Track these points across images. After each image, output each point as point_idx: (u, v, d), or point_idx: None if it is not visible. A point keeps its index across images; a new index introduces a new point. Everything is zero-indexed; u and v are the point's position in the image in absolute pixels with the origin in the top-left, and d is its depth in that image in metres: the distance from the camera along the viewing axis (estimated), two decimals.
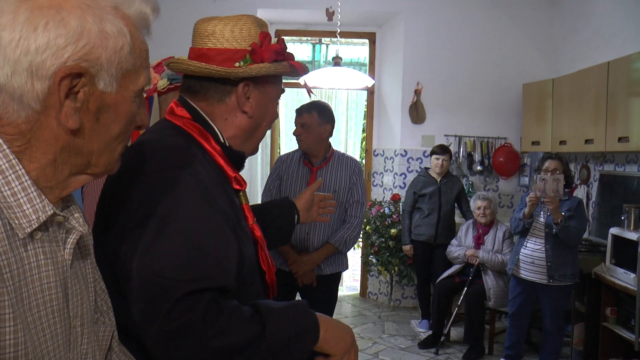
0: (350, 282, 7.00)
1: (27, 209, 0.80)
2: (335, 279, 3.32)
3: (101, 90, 0.84)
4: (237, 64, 1.32)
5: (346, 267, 3.37)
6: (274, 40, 1.38)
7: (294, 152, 3.42)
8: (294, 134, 3.25)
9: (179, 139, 1.30)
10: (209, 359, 1.13)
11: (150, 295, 1.11)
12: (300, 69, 1.41)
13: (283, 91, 1.48)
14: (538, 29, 5.86)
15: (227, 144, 1.36)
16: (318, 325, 1.22)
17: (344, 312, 5.88)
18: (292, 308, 1.22)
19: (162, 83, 2.06)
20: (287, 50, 1.40)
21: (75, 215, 0.92)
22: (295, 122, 3.25)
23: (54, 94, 0.79)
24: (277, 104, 1.47)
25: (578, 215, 3.80)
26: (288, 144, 6.81)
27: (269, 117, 1.43)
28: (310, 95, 1.60)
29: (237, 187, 1.39)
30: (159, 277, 1.11)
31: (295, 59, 1.43)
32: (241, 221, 1.35)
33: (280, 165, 3.35)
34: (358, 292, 6.57)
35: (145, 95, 2.15)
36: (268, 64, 1.33)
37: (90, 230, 1.03)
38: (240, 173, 1.46)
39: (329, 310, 3.28)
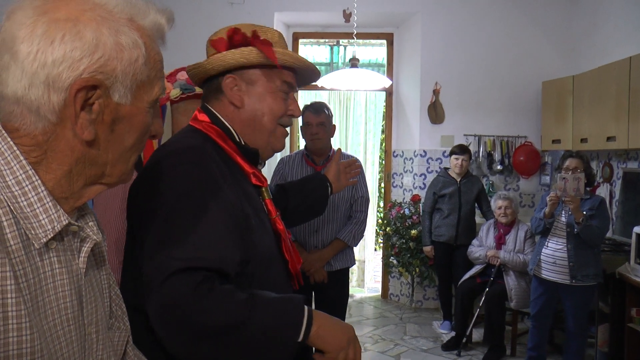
0: (371, 284, 6.98)
1: (43, 219, 0.82)
2: (345, 274, 3.39)
3: (116, 102, 0.85)
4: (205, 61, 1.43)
5: (353, 262, 3.44)
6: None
7: (295, 153, 3.46)
8: (313, 132, 3.25)
9: (195, 140, 1.39)
10: (198, 337, 1.17)
11: (150, 271, 1.20)
12: (268, 50, 1.40)
13: (292, 86, 1.51)
14: (556, 26, 5.80)
15: (243, 142, 1.46)
16: (311, 319, 1.24)
17: (365, 313, 5.88)
18: (285, 300, 1.26)
19: (175, 92, 2.09)
20: (263, 39, 1.45)
21: (90, 223, 0.94)
22: (312, 121, 3.25)
23: (70, 106, 0.80)
24: (281, 96, 1.48)
25: (600, 215, 3.75)
26: None
27: (267, 108, 1.46)
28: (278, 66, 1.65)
29: (256, 183, 1.47)
30: (158, 255, 1.20)
31: (275, 48, 1.44)
32: (260, 213, 1.43)
33: (283, 167, 3.38)
34: (379, 293, 6.55)
35: (159, 103, 2.18)
36: (231, 51, 1.40)
37: (105, 237, 1.05)
38: (262, 171, 1.54)
39: (342, 306, 3.35)
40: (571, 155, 3.87)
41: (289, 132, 1.58)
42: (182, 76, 2.07)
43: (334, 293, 3.25)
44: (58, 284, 0.85)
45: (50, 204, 0.83)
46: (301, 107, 3.54)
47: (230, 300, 1.19)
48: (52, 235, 0.82)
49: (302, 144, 6.66)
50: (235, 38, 1.42)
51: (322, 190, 2.06)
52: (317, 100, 6.53)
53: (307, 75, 1.59)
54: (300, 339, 1.23)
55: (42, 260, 0.82)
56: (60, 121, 0.82)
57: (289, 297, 1.28)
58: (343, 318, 3.38)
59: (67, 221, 0.85)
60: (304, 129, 3.31)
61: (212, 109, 1.48)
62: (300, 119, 3.42)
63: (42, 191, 0.82)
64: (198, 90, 2.17)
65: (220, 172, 1.34)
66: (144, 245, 1.25)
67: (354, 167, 2.20)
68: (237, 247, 1.29)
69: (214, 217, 1.26)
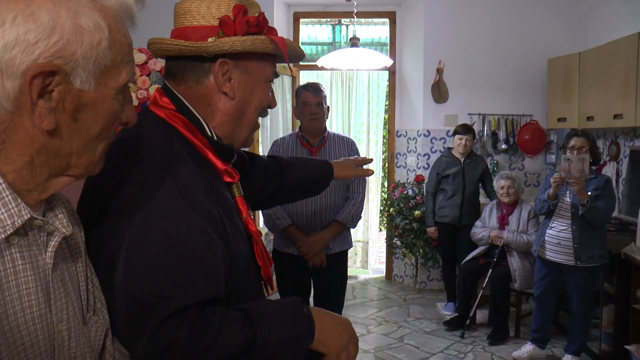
0: (376, 265, 6.96)
1: (2, 213, 0.78)
2: (344, 256, 3.37)
3: (78, 89, 0.80)
4: (210, 40, 1.24)
5: (351, 245, 3.41)
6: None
7: (289, 135, 3.39)
8: (312, 112, 3.21)
9: (161, 135, 1.22)
10: None
11: (135, 313, 1.06)
12: (282, 44, 1.27)
13: (277, 75, 1.37)
14: (564, 2, 5.67)
15: (215, 137, 1.28)
16: (312, 326, 1.16)
17: (369, 295, 5.86)
18: (284, 310, 1.16)
19: (154, 89, 2.03)
20: (271, 27, 1.31)
21: (59, 216, 0.89)
22: (311, 101, 3.20)
23: (26, 93, 0.75)
24: (269, 87, 1.35)
25: (605, 195, 3.68)
26: None
27: (257, 101, 1.32)
28: (292, 74, 1.51)
29: (228, 179, 1.31)
30: (144, 295, 1.05)
31: (283, 41, 1.29)
32: (233, 217, 1.28)
33: (277, 149, 3.31)
34: (384, 274, 6.53)
35: (138, 102, 2.11)
36: (242, 38, 1.23)
37: (81, 228, 1.01)
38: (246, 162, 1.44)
39: (342, 289, 3.34)
40: (576, 134, 3.80)
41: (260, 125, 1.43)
42: (156, 66, 1.98)
43: (332, 276, 3.23)
44: (21, 281, 0.81)
45: (9, 197, 0.79)
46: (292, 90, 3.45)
47: (230, 328, 1.09)
48: (12, 230, 0.78)
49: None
50: (244, 20, 1.25)
51: (323, 168, 1.93)
52: (319, 80, 6.48)
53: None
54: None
55: (2, 257, 0.78)
56: (17, 109, 0.77)
57: (287, 304, 1.18)
58: (342, 302, 3.35)
59: (28, 215, 0.80)
60: (301, 109, 3.25)
61: (176, 91, 1.28)
62: (295, 99, 3.36)
63: (1, 184, 0.78)
64: None
65: (192, 175, 1.17)
66: (115, 270, 1.07)
67: (365, 163, 2.09)
68: (223, 263, 1.16)
69: (196, 234, 1.11)
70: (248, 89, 1.30)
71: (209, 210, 1.16)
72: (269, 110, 1.39)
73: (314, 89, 3.22)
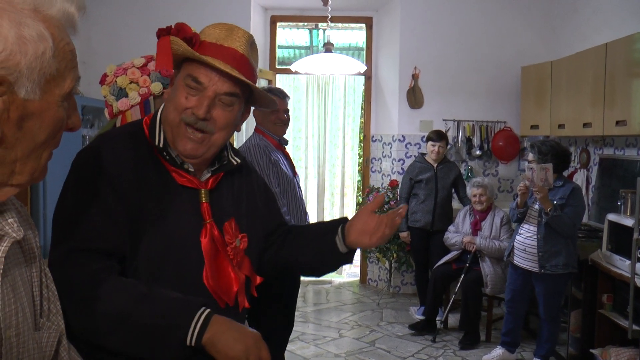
0: (351, 269, 6.97)
1: None
2: None
3: (23, 98, 0.80)
4: None
5: None
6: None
7: (259, 138, 3.30)
8: (281, 119, 3.27)
9: (119, 128, 1.47)
10: (91, 320, 1.22)
11: (51, 251, 1.28)
12: (161, 47, 1.34)
13: (197, 82, 1.33)
14: (537, 10, 5.75)
15: (162, 144, 1.39)
16: (205, 325, 1.21)
17: (343, 299, 5.88)
18: (179, 303, 1.25)
19: (157, 87, 2.05)
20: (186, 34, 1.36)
21: (9, 220, 0.88)
22: (282, 108, 3.23)
23: None
24: (184, 90, 1.34)
25: (572, 203, 3.72)
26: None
27: (171, 101, 1.38)
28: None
29: (183, 182, 1.40)
30: (55, 230, 1.30)
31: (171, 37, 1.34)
32: (178, 213, 1.37)
33: (266, 154, 3.27)
34: (358, 279, 6.56)
35: (141, 98, 2.14)
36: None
37: (36, 233, 1.00)
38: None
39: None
40: (532, 146, 3.87)
41: (199, 136, 1.35)
42: (155, 66, 2.04)
43: None
44: None
45: None
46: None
47: (121, 291, 1.23)
48: None
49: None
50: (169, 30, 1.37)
51: (328, 245, 1.53)
52: (295, 84, 6.49)
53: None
54: (190, 343, 1.20)
55: None
56: None
57: (188, 299, 1.26)
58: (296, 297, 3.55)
59: None
60: (268, 114, 3.21)
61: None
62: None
63: None
64: None
65: (127, 160, 1.35)
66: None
67: (395, 216, 1.52)
68: (124, 232, 1.31)
69: (100, 200, 1.29)
70: (172, 89, 1.42)
71: (126, 189, 1.32)
72: (196, 118, 1.34)
73: (282, 94, 3.23)
